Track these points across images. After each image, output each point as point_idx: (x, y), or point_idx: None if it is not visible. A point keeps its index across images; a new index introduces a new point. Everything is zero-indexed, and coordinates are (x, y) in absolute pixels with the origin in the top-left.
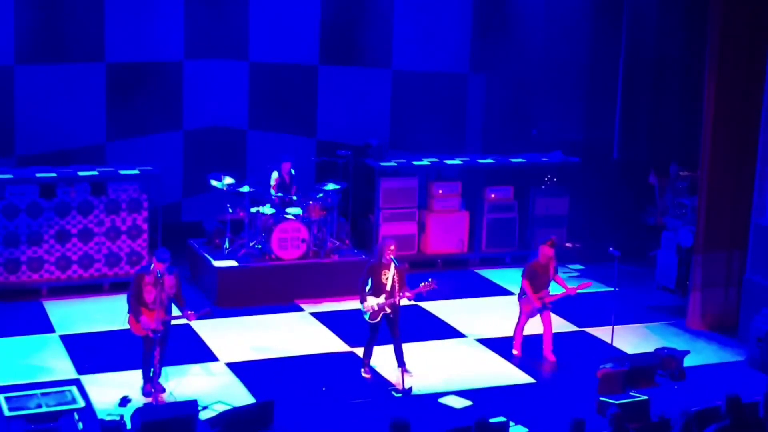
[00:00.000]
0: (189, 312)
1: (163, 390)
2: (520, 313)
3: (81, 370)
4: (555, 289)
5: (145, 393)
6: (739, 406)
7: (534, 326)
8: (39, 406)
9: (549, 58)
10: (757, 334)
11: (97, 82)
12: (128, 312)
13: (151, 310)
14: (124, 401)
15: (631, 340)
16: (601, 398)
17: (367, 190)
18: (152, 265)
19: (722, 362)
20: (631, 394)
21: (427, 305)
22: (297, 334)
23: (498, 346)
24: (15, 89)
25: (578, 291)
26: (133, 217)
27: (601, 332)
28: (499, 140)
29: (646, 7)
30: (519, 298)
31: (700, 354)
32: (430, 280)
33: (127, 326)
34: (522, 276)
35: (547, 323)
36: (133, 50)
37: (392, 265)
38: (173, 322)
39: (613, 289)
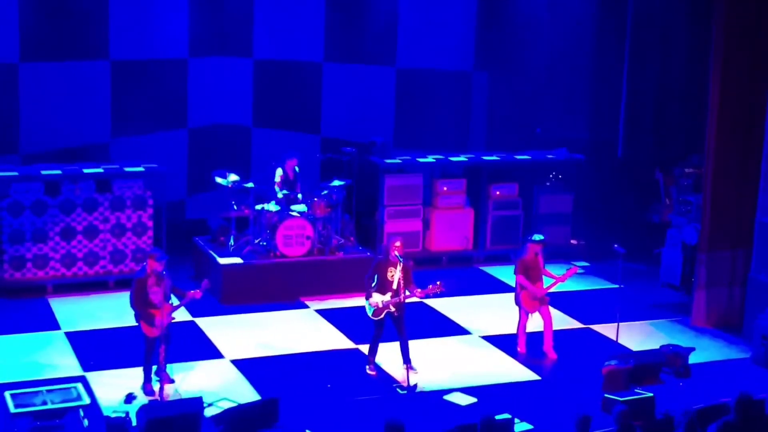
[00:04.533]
0: (192, 292)
1: (172, 380)
2: (520, 311)
3: (86, 367)
4: (546, 282)
5: (147, 392)
6: (748, 405)
7: (537, 324)
8: (44, 402)
9: (553, 55)
10: (762, 331)
11: (102, 80)
12: (138, 320)
13: (159, 308)
14: (130, 398)
15: (636, 337)
16: (605, 395)
17: (372, 188)
18: (147, 266)
19: (727, 359)
20: (635, 391)
21: (432, 302)
22: (302, 331)
23: (503, 342)
24: (20, 87)
25: (567, 277)
26: (138, 214)
27: (606, 329)
28: (504, 137)
29: (650, 5)
30: (516, 298)
31: (705, 351)
32: (438, 282)
33: (133, 323)
34: (515, 273)
35: (546, 319)
36: (137, 48)
37: (398, 263)
38: (176, 313)
39: (618, 286)
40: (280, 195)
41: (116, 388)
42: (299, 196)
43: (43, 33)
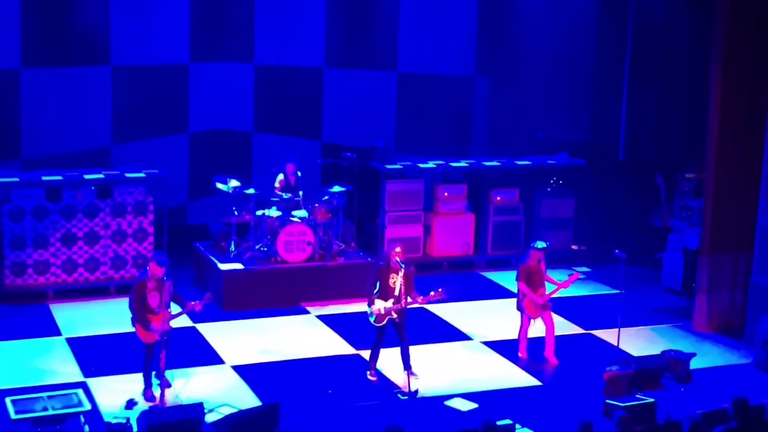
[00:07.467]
0: (193, 302)
1: (169, 385)
2: (522, 317)
3: (87, 373)
4: (548, 288)
5: (147, 398)
6: (746, 408)
7: (538, 329)
8: (45, 409)
9: (554, 60)
10: (764, 336)
11: (103, 86)
12: (134, 322)
13: (157, 314)
14: (131, 404)
15: (638, 342)
16: (607, 401)
17: (373, 193)
18: (149, 270)
19: (728, 365)
20: (637, 396)
21: (433, 308)
22: (303, 336)
23: (504, 348)
24: (21, 92)
25: (570, 284)
26: (138, 220)
27: (608, 335)
28: (505, 142)
29: (651, 9)
30: (518, 304)
31: (707, 356)
32: (440, 289)
33: (133, 329)
34: (517, 279)
35: (549, 324)
36: (138, 53)
37: (400, 269)
38: (176, 320)
39: (619, 291)
40: (285, 196)
41: (117, 393)
42: (300, 193)
43: (45, 38)
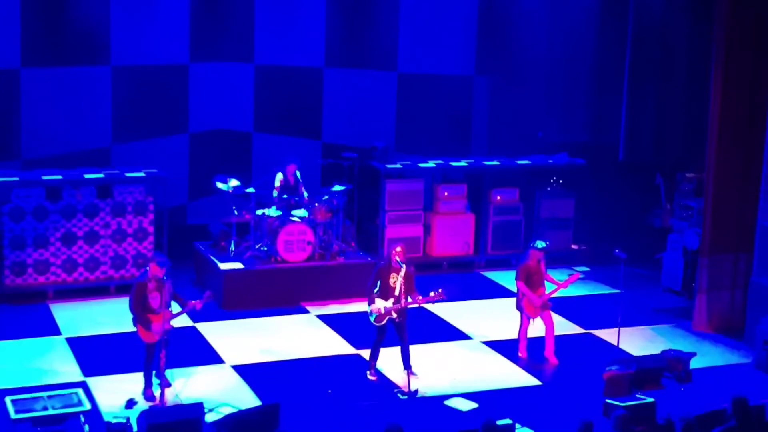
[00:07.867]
0: (193, 301)
1: (169, 384)
2: (522, 316)
3: (87, 372)
4: (548, 287)
5: (147, 397)
6: (745, 408)
7: (538, 329)
8: (45, 408)
9: (554, 59)
10: (764, 336)
11: (103, 86)
12: (135, 323)
13: (158, 314)
14: (131, 404)
15: (638, 342)
16: (607, 400)
17: (373, 193)
18: (149, 271)
19: (728, 364)
20: (637, 396)
21: (433, 307)
22: (303, 336)
23: (504, 348)
24: (21, 92)
25: (569, 284)
26: (138, 219)
27: (607, 334)
28: (505, 142)
29: (651, 9)
30: (517, 303)
31: (707, 356)
32: (440, 290)
33: (134, 329)
34: (516, 279)
35: (548, 324)
36: (138, 53)
37: (401, 269)
38: (176, 319)
39: (619, 291)
40: (274, 195)
41: (117, 393)
42: (305, 194)
43: (45, 38)
